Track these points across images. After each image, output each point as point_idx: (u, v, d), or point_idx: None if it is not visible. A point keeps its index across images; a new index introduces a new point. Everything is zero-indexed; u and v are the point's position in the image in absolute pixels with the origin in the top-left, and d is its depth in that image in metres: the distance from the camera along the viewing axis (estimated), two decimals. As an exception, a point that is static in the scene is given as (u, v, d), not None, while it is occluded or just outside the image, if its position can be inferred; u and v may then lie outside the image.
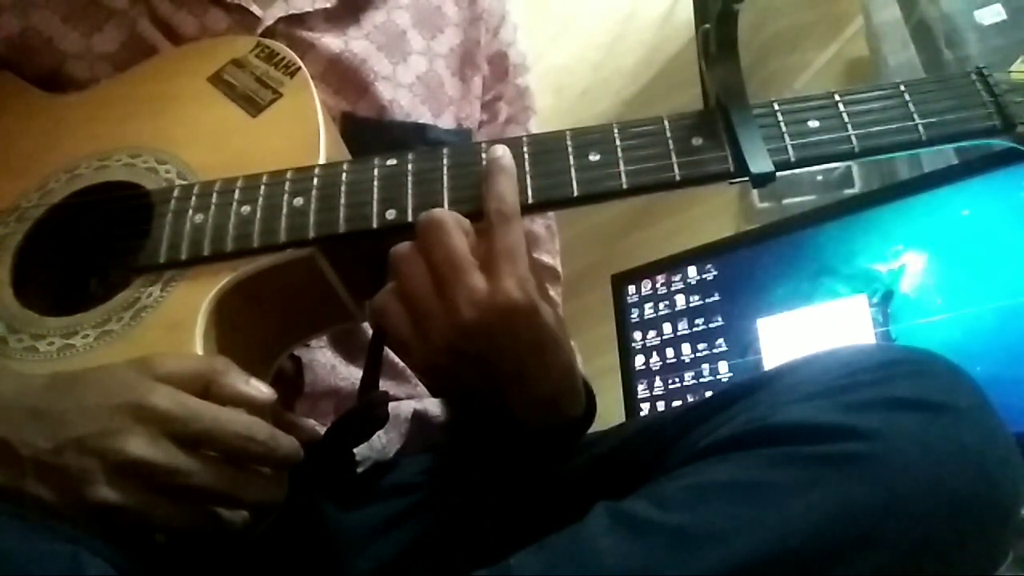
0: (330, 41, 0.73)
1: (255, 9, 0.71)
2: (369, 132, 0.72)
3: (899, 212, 1.04)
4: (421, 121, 0.75)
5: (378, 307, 0.55)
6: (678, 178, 0.56)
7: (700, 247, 1.26)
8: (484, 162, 0.57)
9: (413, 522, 0.68)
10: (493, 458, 0.66)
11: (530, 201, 0.56)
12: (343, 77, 0.73)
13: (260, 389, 0.52)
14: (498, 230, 0.53)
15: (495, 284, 0.52)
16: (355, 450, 0.69)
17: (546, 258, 0.85)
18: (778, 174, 0.55)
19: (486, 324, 0.52)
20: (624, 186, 0.56)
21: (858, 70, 1.67)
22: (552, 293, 0.85)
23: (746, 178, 0.55)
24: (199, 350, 0.54)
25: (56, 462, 0.46)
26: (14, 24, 0.71)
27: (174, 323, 0.55)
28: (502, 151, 0.57)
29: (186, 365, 0.51)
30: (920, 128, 0.55)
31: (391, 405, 0.67)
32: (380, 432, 0.70)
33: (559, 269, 0.87)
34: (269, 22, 0.71)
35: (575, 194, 0.56)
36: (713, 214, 1.70)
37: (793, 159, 0.55)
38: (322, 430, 0.67)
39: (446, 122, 0.77)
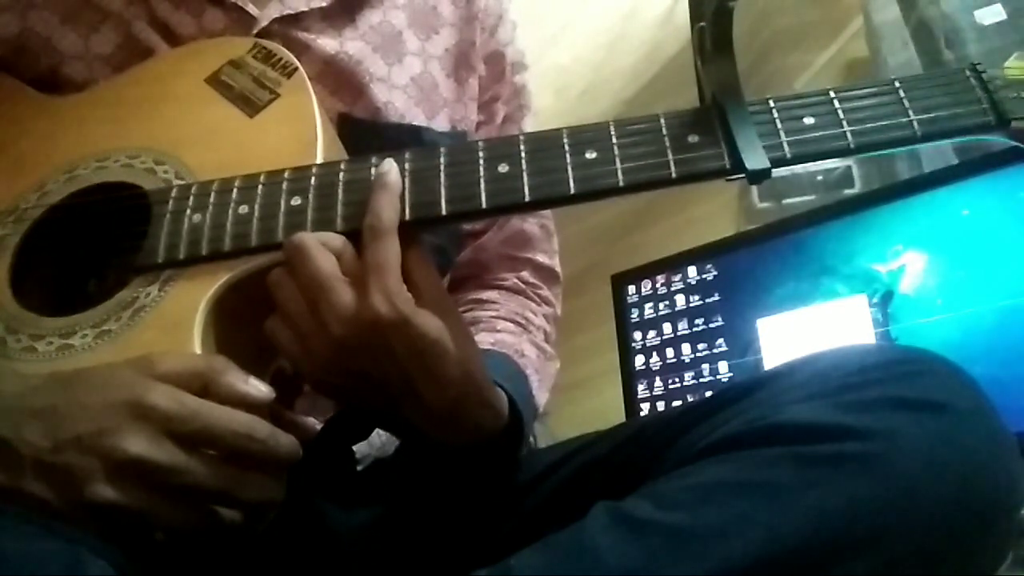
0: (325, 42, 0.73)
1: (251, 9, 0.71)
2: (365, 134, 0.71)
3: (899, 212, 1.04)
4: (416, 123, 0.75)
5: (268, 331, 0.56)
6: (674, 175, 0.56)
7: (700, 247, 1.26)
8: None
9: (413, 521, 0.68)
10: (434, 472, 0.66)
11: (527, 199, 0.56)
12: (339, 78, 0.73)
13: (259, 388, 0.52)
14: (369, 246, 0.54)
15: (361, 300, 0.52)
16: (355, 448, 0.69)
17: (542, 258, 0.85)
18: (774, 171, 0.55)
19: (357, 339, 0.53)
20: (621, 183, 0.56)
21: (858, 70, 1.67)
22: (549, 293, 0.85)
23: (742, 175, 0.55)
24: (197, 349, 0.54)
25: (56, 461, 0.46)
26: (13, 25, 0.71)
27: (172, 322, 0.55)
28: (388, 166, 0.57)
29: (185, 364, 0.51)
30: (915, 124, 0.55)
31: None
32: (380, 430, 0.70)
33: (558, 269, 0.87)
34: (265, 23, 0.71)
35: (572, 192, 0.56)
36: (713, 214, 1.70)
37: (789, 155, 0.55)
38: (322, 428, 0.67)
39: (440, 124, 0.77)
